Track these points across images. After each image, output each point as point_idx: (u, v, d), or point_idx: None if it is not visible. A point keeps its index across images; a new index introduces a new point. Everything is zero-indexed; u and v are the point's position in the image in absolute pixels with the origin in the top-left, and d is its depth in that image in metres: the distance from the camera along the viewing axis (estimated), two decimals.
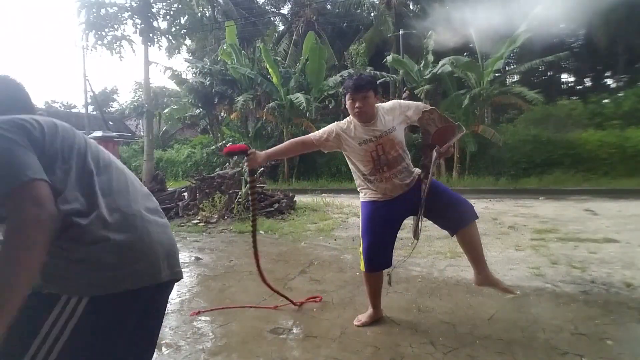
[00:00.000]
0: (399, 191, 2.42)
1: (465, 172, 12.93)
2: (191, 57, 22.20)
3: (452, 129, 2.30)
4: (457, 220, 2.43)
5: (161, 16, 9.79)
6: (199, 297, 3.36)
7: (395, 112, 2.43)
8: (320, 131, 2.56)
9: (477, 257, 2.49)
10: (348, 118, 2.50)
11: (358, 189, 2.60)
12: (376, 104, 2.44)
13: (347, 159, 2.56)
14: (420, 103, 2.49)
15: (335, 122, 2.56)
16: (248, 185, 2.45)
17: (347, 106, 2.46)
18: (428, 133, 2.37)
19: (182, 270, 1.44)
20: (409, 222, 2.64)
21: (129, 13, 9.31)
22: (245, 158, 2.38)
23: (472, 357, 2.16)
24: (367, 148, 2.39)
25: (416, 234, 2.47)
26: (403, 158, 2.42)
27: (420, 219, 2.40)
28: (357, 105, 2.36)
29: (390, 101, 2.55)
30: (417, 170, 2.49)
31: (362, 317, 2.65)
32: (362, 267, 2.57)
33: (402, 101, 2.54)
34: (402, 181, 2.41)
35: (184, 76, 18.54)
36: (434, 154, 2.29)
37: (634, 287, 3.15)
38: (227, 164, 10.26)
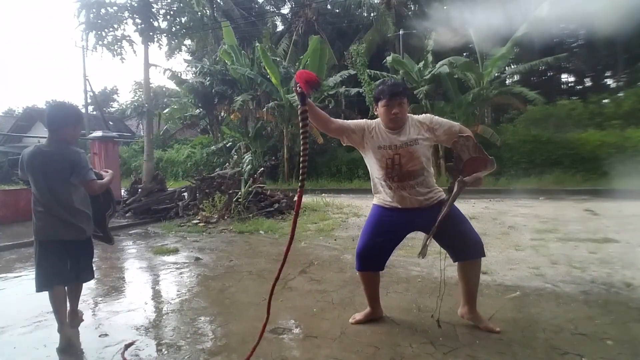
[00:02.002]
0: (408, 204, 2.37)
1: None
2: (191, 57, 22.21)
3: (485, 161, 2.19)
4: (461, 252, 2.42)
5: (161, 16, 9.77)
6: (198, 297, 3.36)
7: (423, 127, 2.36)
8: (350, 122, 2.52)
9: (469, 292, 2.48)
10: (377, 119, 2.48)
11: (373, 191, 2.58)
12: (408, 114, 2.42)
13: (364, 158, 2.55)
14: (455, 124, 2.38)
15: (366, 119, 2.52)
16: (300, 117, 2.12)
17: (380, 112, 2.41)
18: (460, 159, 2.29)
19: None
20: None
21: (129, 13, 9.29)
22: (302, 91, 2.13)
23: (472, 357, 2.16)
24: (385, 154, 2.36)
25: (422, 252, 2.41)
26: (419, 174, 2.34)
27: (429, 240, 2.36)
28: (394, 111, 2.33)
29: (423, 114, 2.46)
30: (438, 191, 2.41)
31: (358, 315, 2.66)
32: None
33: (435, 117, 2.41)
34: (412, 196, 2.35)
35: (183, 76, 18.56)
36: (456, 185, 2.19)
37: (634, 287, 3.16)
38: (227, 164, 10.26)
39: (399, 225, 2.44)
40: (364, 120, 2.52)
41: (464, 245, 2.40)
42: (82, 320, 2.84)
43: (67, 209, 2.50)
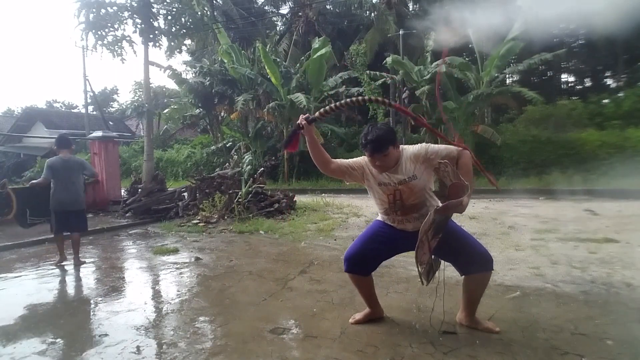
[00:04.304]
0: (411, 229, 2.36)
1: None
2: (191, 58, 22.19)
3: (463, 187, 2.14)
4: (467, 266, 2.38)
5: (161, 16, 9.77)
6: (198, 297, 3.36)
7: (419, 159, 2.29)
8: (349, 160, 2.50)
9: (471, 302, 2.47)
10: None
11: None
12: (401, 147, 2.36)
13: (368, 191, 2.51)
14: (453, 149, 2.28)
15: (364, 156, 2.44)
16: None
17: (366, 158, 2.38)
18: (444, 185, 2.27)
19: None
20: None
21: (129, 13, 9.29)
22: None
23: (472, 357, 2.16)
24: (386, 190, 2.34)
25: (427, 278, 2.34)
26: (422, 206, 2.32)
27: (426, 266, 2.28)
28: (376, 163, 2.31)
29: (417, 145, 2.37)
30: None
31: (357, 315, 2.67)
32: None
33: (430, 146, 2.32)
34: (415, 227, 2.30)
35: (183, 76, 18.54)
36: (432, 215, 2.09)
37: (634, 287, 3.16)
38: (227, 164, 10.25)
39: (396, 240, 2.43)
40: (362, 157, 2.46)
41: (469, 260, 2.35)
42: (84, 262, 4.67)
43: (76, 192, 4.62)
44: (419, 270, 2.29)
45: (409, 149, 2.36)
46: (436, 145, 2.34)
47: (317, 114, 2.39)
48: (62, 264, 4.56)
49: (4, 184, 5.26)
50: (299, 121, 2.38)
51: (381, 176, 2.35)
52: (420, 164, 2.29)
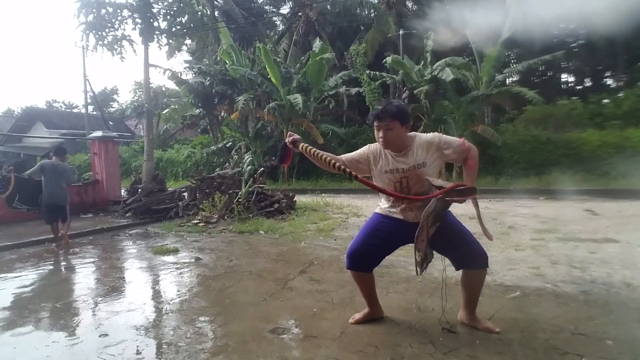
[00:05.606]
0: (411, 220, 2.36)
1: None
2: (191, 58, 22.18)
3: (468, 189, 2.14)
4: (463, 262, 2.39)
5: (161, 16, 9.77)
6: (199, 297, 3.36)
7: (431, 148, 2.31)
8: (354, 153, 2.51)
9: (470, 299, 2.48)
10: None
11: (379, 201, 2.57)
12: (414, 134, 2.38)
13: (374, 180, 2.50)
14: (463, 143, 2.31)
15: (369, 145, 2.48)
16: (307, 147, 2.36)
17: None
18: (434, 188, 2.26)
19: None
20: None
21: (129, 13, 9.30)
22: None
23: (472, 357, 2.16)
24: (392, 178, 2.35)
25: (421, 268, 2.33)
26: (426, 194, 2.30)
27: (420, 255, 2.29)
28: (380, 135, 2.32)
29: (430, 134, 2.40)
30: None
31: (357, 315, 2.67)
32: None
33: (443, 137, 2.36)
34: (416, 217, 2.31)
35: (184, 76, 18.54)
36: (433, 204, 2.12)
37: (634, 287, 3.16)
38: (227, 164, 10.25)
39: (396, 233, 2.43)
40: (367, 146, 2.49)
41: (465, 256, 2.36)
42: (68, 243, 5.58)
43: (60, 191, 5.51)
44: (416, 258, 2.30)
45: (422, 136, 2.38)
46: (449, 137, 2.37)
47: (302, 145, 2.36)
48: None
49: (11, 169, 6.62)
50: (286, 139, 2.41)
51: (389, 162, 2.36)
52: (432, 152, 2.32)
